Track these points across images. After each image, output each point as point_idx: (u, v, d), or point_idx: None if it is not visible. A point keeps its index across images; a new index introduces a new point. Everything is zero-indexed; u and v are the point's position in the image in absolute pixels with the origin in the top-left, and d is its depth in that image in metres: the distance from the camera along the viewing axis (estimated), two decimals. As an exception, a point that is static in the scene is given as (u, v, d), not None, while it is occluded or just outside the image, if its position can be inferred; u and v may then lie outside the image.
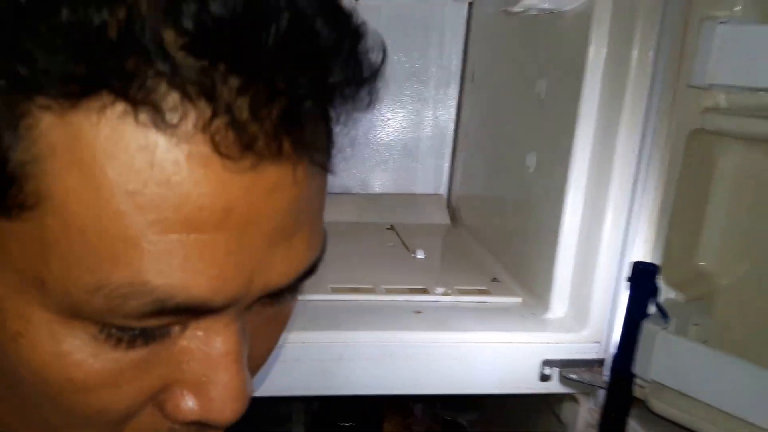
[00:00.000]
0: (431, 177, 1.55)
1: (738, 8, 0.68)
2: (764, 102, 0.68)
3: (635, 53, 0.81)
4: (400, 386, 0.90)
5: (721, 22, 0.65)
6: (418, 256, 1.20)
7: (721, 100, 0.72)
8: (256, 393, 0.83)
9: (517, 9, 1.05)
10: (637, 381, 0.78)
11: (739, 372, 0.70)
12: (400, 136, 1.52)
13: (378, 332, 0.88)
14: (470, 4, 1.46)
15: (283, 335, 0.89)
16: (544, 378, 0.93)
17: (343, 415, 1.37)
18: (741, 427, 0.70)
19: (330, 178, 1.39)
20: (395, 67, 1.48)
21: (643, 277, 0.71)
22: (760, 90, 0.65)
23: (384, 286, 1.03)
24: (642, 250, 0.82)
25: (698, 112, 0.72)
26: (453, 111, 1.52)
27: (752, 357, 0.71)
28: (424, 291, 1.03)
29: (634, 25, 0.82)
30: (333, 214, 1.43)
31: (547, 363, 0.92)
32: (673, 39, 0.76)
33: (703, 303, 0.80)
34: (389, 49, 1.29)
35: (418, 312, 0.96)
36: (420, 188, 1.55)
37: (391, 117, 1.51)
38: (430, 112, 1.53)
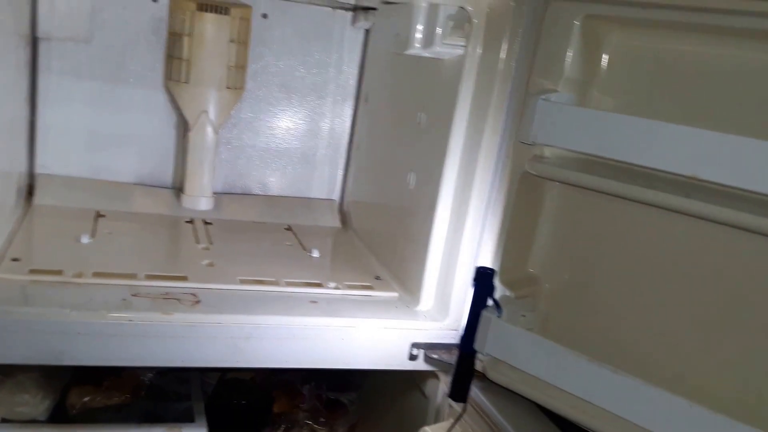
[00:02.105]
0: (326, 183, 1.83)
1: (558, 88, 1.02)
2: (574, 157, 1.02)
3: (491, 109, 1.14)
4: (298, 361, 1.17)
5: (542, 99, 0.97)
6: (314, 255, 1.48)
7: (545, 152, 1.05)
8: (180, 363, 1.08)
9: (404, 53, 1.35)
10: (478, 356, 1.10)
11: (547, 350, 1.02)
12: (299, 145, 1.79)
13: (281, 317, 1.15)
14: (367, 30, 1.75)
15: (202, 316, 1.15)
16: (413, 357, 1.23)
17: (238, 394, 1.63)
18: (549, 389, 1.03)
19: (233, 179, 1.80)
20: (297, 81, 1.75)
21: (483, 278, 1.03)
22: (565, 149, 0.99)
23: (285, 280, 1.30)
24: (488, 259, 1.14)
25: (527, 160, 1.05)
26: (347, 125, 1.81)
27: (564, 341, 1.03)
28: (319, 285, 1.31)
29: (492, 86, 1.14)
30: (235, 212, 1.70)
31: (415, 345, 1.23)
32: (516, 103, 1.08)
33: (531, 300, 1.13)
34: (294, 63, 1.66)
35: (314, 302, 1.24)
36: (315, 193, 1.83)
37: (292, 126, 1.78)
38: (327, 125, 1.81)
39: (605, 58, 1.04)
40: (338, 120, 1.80)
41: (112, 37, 1.59)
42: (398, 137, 1.51)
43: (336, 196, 1.84)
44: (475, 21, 1.16)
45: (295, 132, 1.78)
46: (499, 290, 1.08)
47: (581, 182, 1.01)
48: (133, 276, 1.20)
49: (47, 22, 1.51)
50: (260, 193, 1.78)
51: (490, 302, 1.05)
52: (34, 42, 1.54)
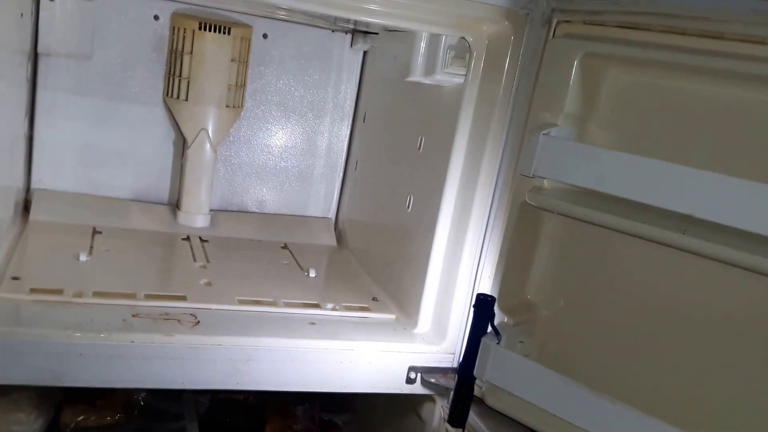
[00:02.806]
0: (321, 202, 1.86)
1: (558, 122, 1.05)
2: (573, 189, 1.06)
3: (490, 138, 1.17)
4: (297, 385, 1.20)
5: (544, 134, 1.01)
6: (311, 275, 1.51)
7: (545, 183, 1.09)
8: (181, 385, 1.10)
9: (404, 80, 1.38)
10: (477, 383, 1.13)
11: (547, 378, 1.05)
12: (296, 163, 1.82)
13: (281, 339, 1.18)
14: (365, 52, 1.79)
15: (202, 338, 1.16)
16: (410, 381, 1.26)
17: (231, 414, 1.64)
18: (547, 416, 1.06)
19: (230, 197, 1.85)
20: (296, 100, 1.78)
21: (483, 305, 1.06)
22: (565, 183, 1.02)
23: (283, 300, 1.32)
24: (486, 285, 1.17)
25: (527, 190, 1.09)
26: (345, 145, 1.84)
27: (560, 368, 1.06)
28: (317, 306, 1.34)
29: (491, 115, 1.18)
30: (232, 230, 1.72)
31: (412, 369, 1.25)
32: (515, 133, 1.12)
33: (528, 326, 1.17)
34: (293, 82, 1.71)
35: (312, 323, 1.27)
36: (311, 211, 1.86)
37: (289, 144, 1.81)
38: (325, 143, 1.84)
39: (604, 93, 1.08)
40: (335, 139, 1.84)
41: (112, 53, 1.61)
42: (396, 159, 1.54)
43: (332, 214, 1.87)
44: (475, 52, 1.20)
45: (293, 150, 1.81)
46: (498, 316, 1.12)
47: (579, 215, 1.04)
48: (132, 296, 1.22)
49: (48, 38, 1.53)
50: (256, 210, 1.81)
51: (489, 329, 1.08)
52: (34, 57, 1.56)
